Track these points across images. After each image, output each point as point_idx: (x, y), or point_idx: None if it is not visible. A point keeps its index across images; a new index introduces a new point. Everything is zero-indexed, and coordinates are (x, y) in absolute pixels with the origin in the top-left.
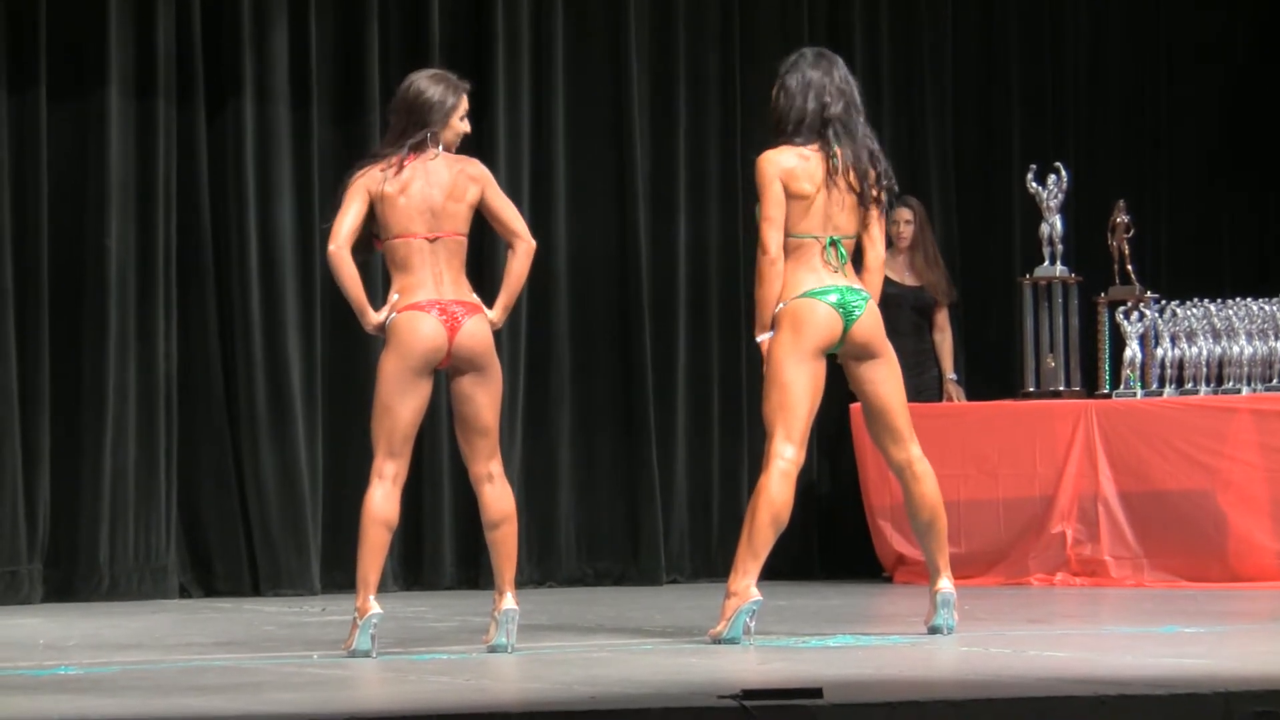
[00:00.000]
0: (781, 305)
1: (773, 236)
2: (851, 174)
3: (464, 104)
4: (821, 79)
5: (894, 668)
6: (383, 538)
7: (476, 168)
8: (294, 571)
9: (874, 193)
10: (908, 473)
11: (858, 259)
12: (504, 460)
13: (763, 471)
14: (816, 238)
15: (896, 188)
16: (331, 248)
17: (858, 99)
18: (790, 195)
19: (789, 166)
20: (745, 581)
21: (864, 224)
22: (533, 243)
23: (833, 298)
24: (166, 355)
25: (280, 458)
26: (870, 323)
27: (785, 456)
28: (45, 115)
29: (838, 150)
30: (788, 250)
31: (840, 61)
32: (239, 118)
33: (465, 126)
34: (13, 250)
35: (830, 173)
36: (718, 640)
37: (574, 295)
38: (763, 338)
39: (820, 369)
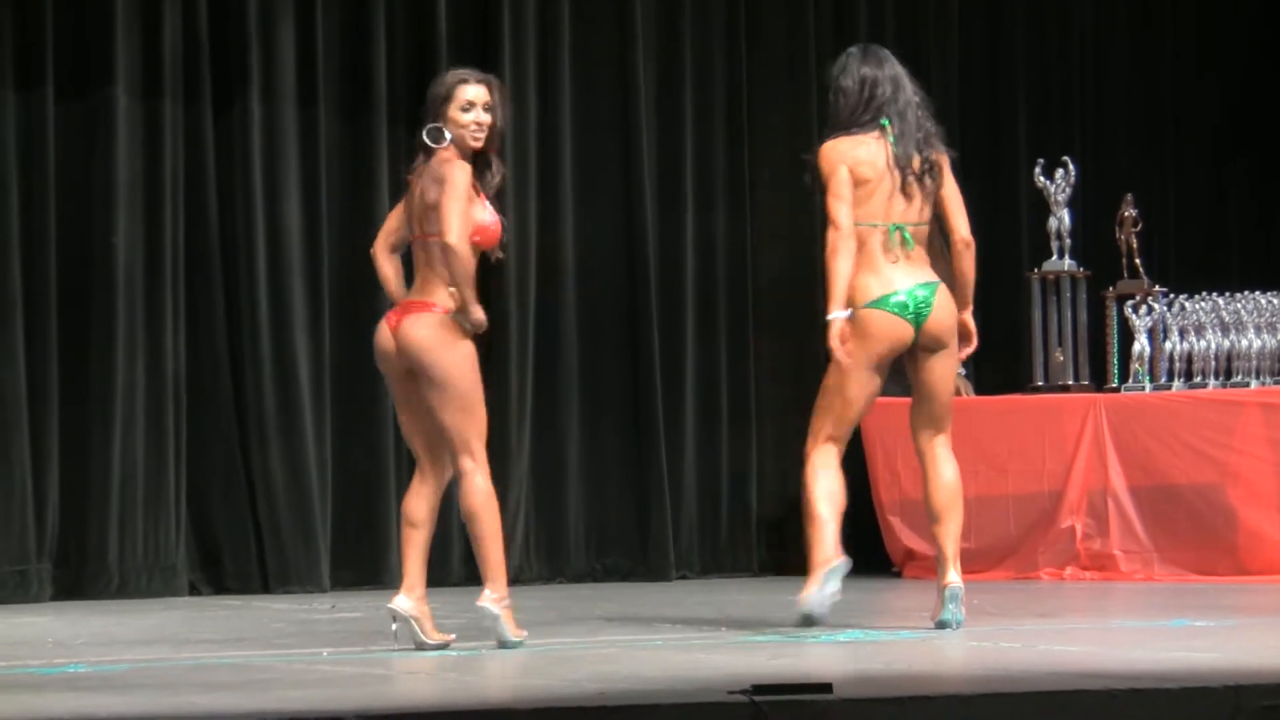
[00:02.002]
0: (832, 317)
1: (844, 211)
2: (902, 160)
3: (460, 94)
4: (873, 72)
5: (903, 663)
6: (408, 534)
7: (440, 167)
8: (303, 569)
9: (917, 179)
10: (929, 458)
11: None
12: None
13: (807, 466)
14: (877, 225)
15: (935, 171)
16: (372, 250)
17: (910, 87)
18: (853, 181)
19: (851, 152)
20: (823, 553)
21: (938, 210)
22: (447, 239)
23: (899, 299)
24: (174, 353)
25: (289, 455)
26: (942, 317)
27: (830, 453)
28: (52, 114)
29: (893, 136)
30: None
31: (889, 55)
32: (246, 115)
33: (468, 117)
34: (21, 249)
35: (892, 158)
36: (804, 615)
37: (581, 292)
38: (834, 315)
39: (878, 379)
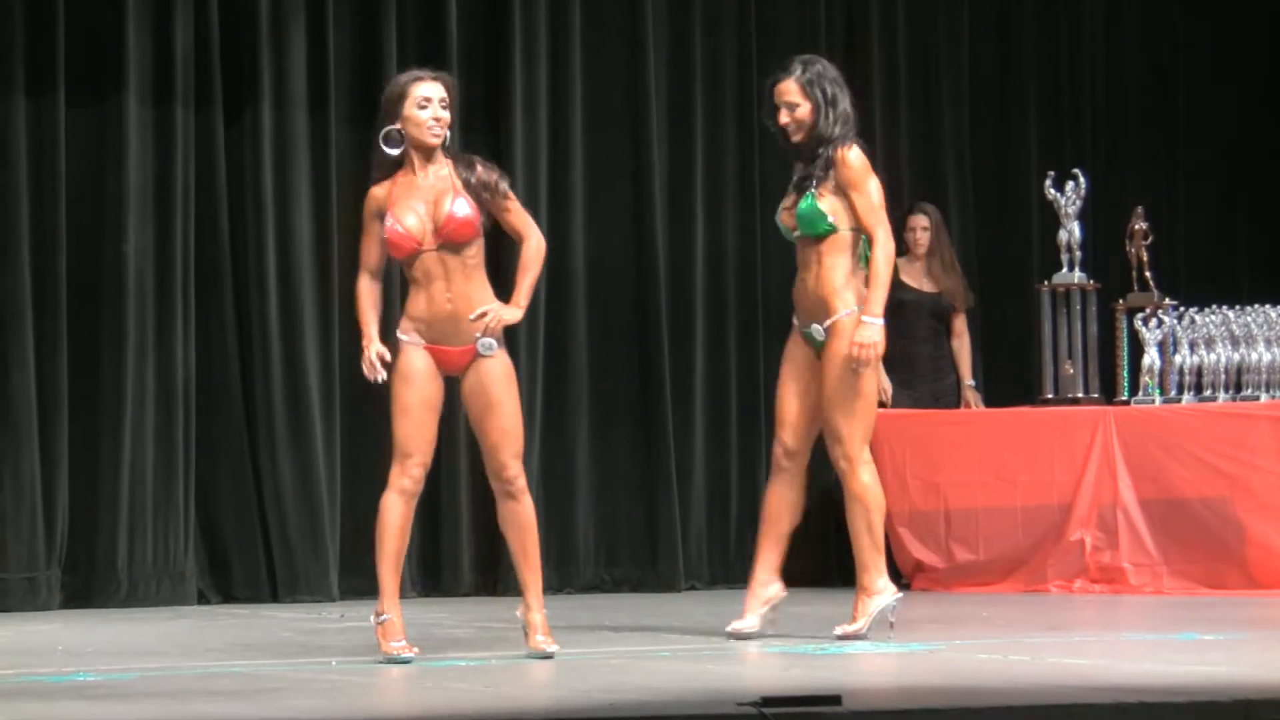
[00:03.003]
0: (849, 312)
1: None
2: None
3: (415, 92)
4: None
5: (912, 675)
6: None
7: None
8: (312, 577)
9: None
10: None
11: None
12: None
13: (850, 478)
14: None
15: None
16: None
17: None
18: None
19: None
20: (883, 580)
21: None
22: None
23: None
24: (184, 360)
25: (298, 463)
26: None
27: (866, 460)
28: (64, 121)
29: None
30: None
31: None
32: (257, 122)
33: (424, 114)
34: (31, 256)
35: None
36: (854, 638)
37: (591, 299)
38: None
39: None
